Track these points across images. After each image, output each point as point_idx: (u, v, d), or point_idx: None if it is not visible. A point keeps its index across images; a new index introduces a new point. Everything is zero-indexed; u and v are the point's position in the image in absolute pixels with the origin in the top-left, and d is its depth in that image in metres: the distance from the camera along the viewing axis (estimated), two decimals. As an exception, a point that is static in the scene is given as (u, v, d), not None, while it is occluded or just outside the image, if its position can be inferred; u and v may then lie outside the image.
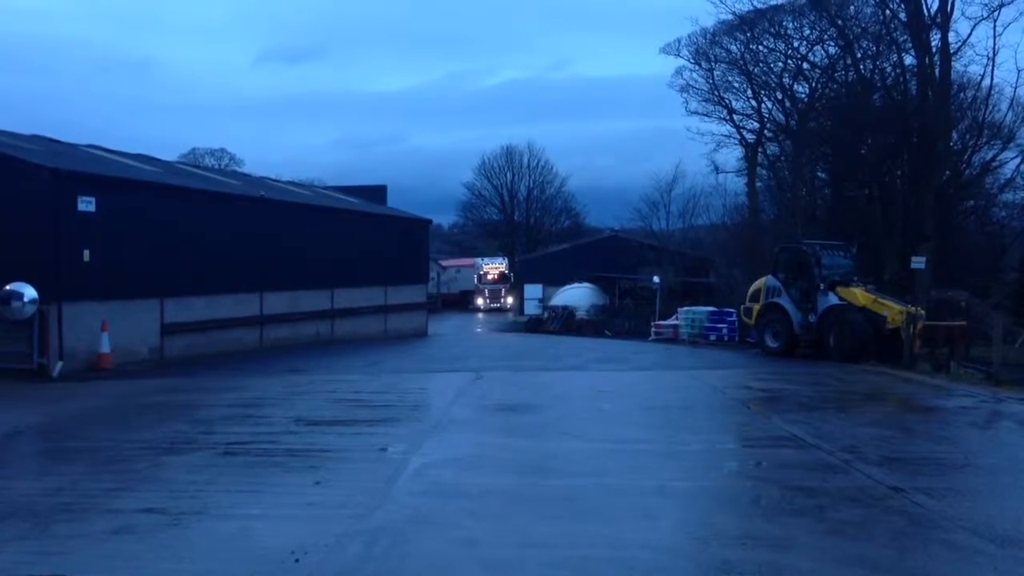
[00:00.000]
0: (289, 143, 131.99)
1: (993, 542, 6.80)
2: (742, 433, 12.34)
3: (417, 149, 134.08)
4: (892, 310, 22.50)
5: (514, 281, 72.77)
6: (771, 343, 25.16)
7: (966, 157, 41.05)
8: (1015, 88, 37.66)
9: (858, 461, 9.68)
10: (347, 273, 30.93)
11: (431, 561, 6.49)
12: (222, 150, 78.04)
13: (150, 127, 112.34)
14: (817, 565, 6.39)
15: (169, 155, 45.30)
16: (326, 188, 45.08)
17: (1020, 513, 7.79)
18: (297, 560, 6.33)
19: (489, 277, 74.03)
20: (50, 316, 18.79)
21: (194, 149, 75.56)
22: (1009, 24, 35.83)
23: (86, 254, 19.57)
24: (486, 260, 76.73)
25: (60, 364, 18.87)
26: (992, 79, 36.94)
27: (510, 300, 71.52)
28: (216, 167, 62.11)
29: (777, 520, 7.48)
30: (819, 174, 46.40)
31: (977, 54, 38.45)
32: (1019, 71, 36.34)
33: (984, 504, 8.13)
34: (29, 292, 18.30)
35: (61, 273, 19.04)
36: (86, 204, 19.64)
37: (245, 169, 61.84)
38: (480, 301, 72.83)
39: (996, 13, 34.65)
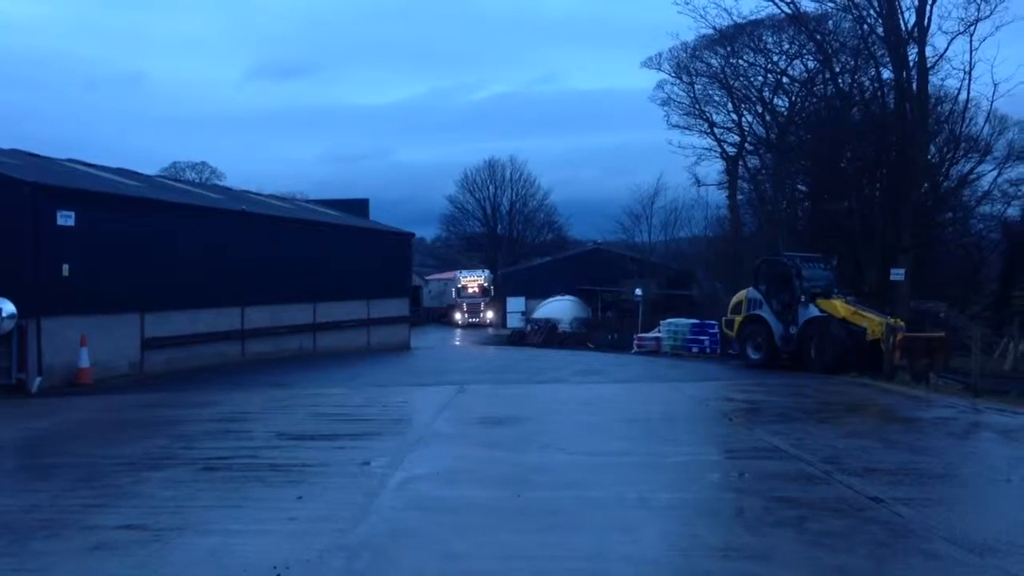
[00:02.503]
0: (274, 157, 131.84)
1: (972, 552, 6.85)
2: (724, 445, 12.38)
3: (403, 163, 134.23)
4: (872, 322, 22.68)
5: (494, 294, 71.11)
6: (753, 355, 25.30)
7: (944, 170, 41.46)
8: (991, 102, 38.14)
9: (838, 472, 9.73)
10: (329, 287, 30.85)
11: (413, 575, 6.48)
12: (203, 163, 77.90)
13: (136, 141, 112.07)
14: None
15: (150, 169, 45.25)
16: (308, 201, 45.06)
17: (999, 523, 7.85)
18: (279, 575, 6.30)
19: (469, 291, 70.36)
20: (29, 331, 18.65)
21: (175, 163, 75.40)
22: (985, 39, 36.14)
23: (65, 268, 19.45)
24: (464, 273, 73.17)
25: (39, 379, 18.71)
26: (969, 93, 37.45)
27: (490, 314, 68.62)
28: (197, 181, 61.88)
29: (758, 531, 7.50)
30: (799, 187, 46.74)
31: (954, 68, 38.76)
32: (995, 85, 36.70)
33: (963, 514, 8.18)
34: (7, 307, 18.15)
35: (40, 287, 18.91)
36: (66, 218, 19.54)
37: (227, 183, 61.67)
38: (458, 316, 69.22)
39: (972, 28, 35.13)
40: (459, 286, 70.88)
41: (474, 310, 69.34)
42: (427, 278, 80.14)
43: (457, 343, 52.05)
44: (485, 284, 70.87)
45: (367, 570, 6.52)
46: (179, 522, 7.85)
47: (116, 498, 8.83)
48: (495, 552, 7.00)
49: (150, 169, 44.14)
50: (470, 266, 78.76)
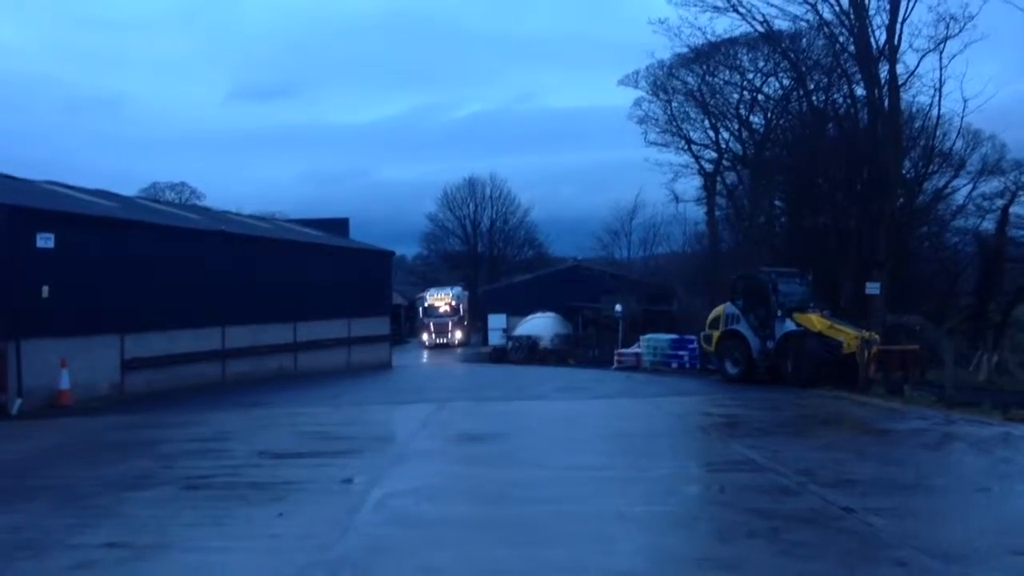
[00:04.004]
0: (254, 177, 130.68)
1: (940, 559, 6.99)
2: (701, 459, 12.54)
3: (383, 182, 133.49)
4: (847, 335, 22.91)
5: (472, 312, 69.63)
6: (731, 369, 25.46)
7: (918, 184, 41.94)
8: (962, 117, 38.61)
9: (812, 483, 9.88)
10: (310, 306, 30.86)
11: (394, 589, 6.58)
12: (183, 184, 77.34)
13: (115, 162, 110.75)
14: (770, 585, 6.57)
15: (129, 190, 45.03)
16: (288, 221, 45.06)
17: (967, 531, 8.01)
18: (261, 591, 6.39)
19: (440, 310, 65.99)
20: (8, 353, 18.60)
21: (155, 183, 74.96)
22: (955, 56, 36.45)
23: (45, 290, 19.44)
24: (432, 291, 68.99)
25: (19, 402, 18.66)
26: (940, 109, 37.86)
27: (459, 335, 65.32)
28: (177, 201, 61.66)
29: (733, 542, 7.65)
30: (776, 203, 47.15)
31: (925, 85, 39.28)
32: (965, 101, 37.14)
33: (932, 523, 8.37)
34: (-14, 329, 18.12)
35: (20, 310, 18.90)
36: (45, 240, 19.53)
37: (207, 203, 61.31)
38: (425, 336, 64.97)
39: (942, 46, 35.53)
40: (427, 305, 66.69)
41: (442, 330, 65.03)
42: (417, 297, 79.48)
43: (433, 361, 52.00)
44: (454, 302, 66.89)
45: (348, 585, 6.61)
46: (161, 540, 7.91)
47: (98, 518, 8.87)
48: (474, 566, 7.10)
49: (129, 190, 44.02)
50: (451, 284, 77.66)
